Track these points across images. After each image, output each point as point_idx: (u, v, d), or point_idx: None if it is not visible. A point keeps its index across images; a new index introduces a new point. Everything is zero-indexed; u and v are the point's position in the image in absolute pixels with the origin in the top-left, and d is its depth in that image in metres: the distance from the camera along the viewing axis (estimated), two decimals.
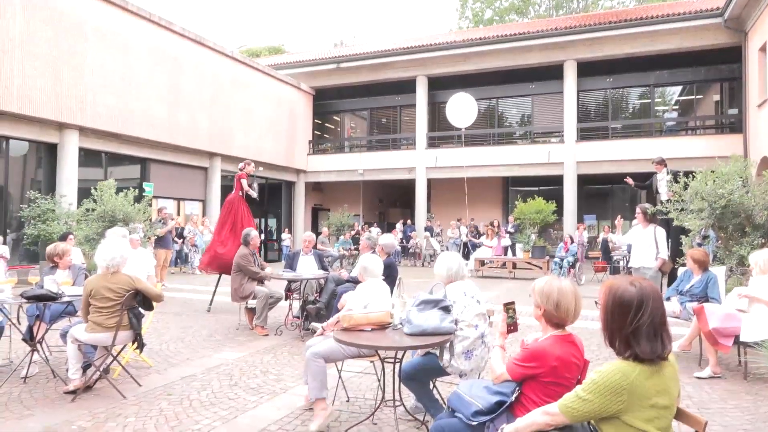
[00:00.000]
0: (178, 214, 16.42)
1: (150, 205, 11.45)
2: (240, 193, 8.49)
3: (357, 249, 15.63)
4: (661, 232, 6.76)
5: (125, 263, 4.50)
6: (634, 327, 1.92)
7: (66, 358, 4.49)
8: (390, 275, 5.59)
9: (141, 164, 15.19)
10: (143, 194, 13.25)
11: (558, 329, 2.44)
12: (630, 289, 1.96)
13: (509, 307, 2.75)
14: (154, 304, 4.65)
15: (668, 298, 5.84)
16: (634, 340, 1.92)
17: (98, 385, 4.56)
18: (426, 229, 19.43)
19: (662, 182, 8.77)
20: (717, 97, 19.01)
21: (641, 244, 6.89)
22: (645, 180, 9.39)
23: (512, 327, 2.75)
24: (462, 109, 14.32)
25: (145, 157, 15.04)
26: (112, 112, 13.40)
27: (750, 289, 5.09)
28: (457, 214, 20.82)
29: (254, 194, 8.71)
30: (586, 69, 18.60)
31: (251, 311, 7.05)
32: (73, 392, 4.31)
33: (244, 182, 8.53)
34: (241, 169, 8.66)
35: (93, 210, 10.49)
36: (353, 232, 18.18)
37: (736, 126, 17.02)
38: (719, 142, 16.23)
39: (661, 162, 8.95)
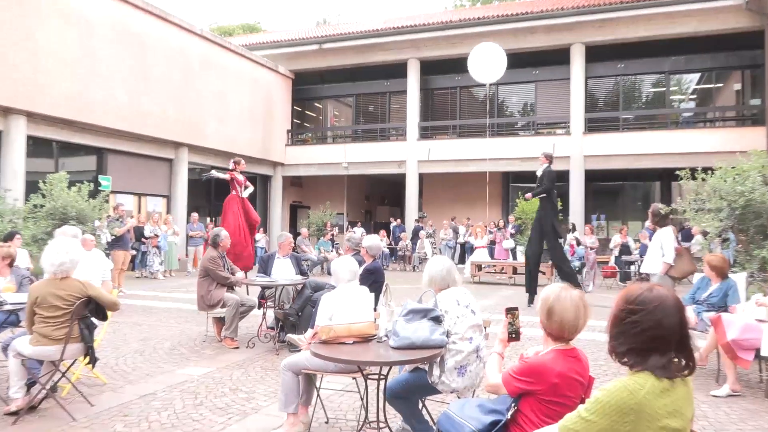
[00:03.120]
0: (139, 211, 16.26)
1: (107, 200, 11.31)
2: (234, 192, 8.91)
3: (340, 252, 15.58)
4: (668, 235, 6.84)
5: (76, 267, 4.44)
6: (648, 338, 1.91)
7: (7, 375, 4.41)
8: (376, 281, 5.56)
9: (97, 155, 15.03)
10: (99, 189, 13.10)
11: (560, 342, 2.44)
12: (647, 294, 1.95)
13: (512, 312, 2.76)
14: (109, 313, 4.58)
15: None
16: (647, 353, 1.90)
17: (44, 405, 4.48)
18: (415, 229, 19.43)
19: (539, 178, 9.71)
20: (738, 86, 19.24)
21: (651, 247, 7.00)
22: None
23: (514, 335, 2.75)
24: (488, 60, 13.90)
25: (102, 147, 14.88)
26: (66, 96, 13.23)
27: None
28: (452, 213, 20.87)
29: (250, 189, 9.26)
30: (595, 53, 18.73)
31: (220, 321, 7.00)
32: (15, 413, 4.23)
33: (240, 176, 8.95)
34: (232, 169, 9.07)
35: (42, 206, 10.33)
36: (328, 235, 18.13)
37: (759, 118, 17.24)
38: (740, 135, 16.41)
39: (547, 156, 9.77)
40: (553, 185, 9.77)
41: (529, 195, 10.05)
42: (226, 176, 9.02)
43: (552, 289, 2.50)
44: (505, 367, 2.60)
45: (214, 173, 9.51)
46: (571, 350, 2.43)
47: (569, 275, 9.72)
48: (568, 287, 2.49)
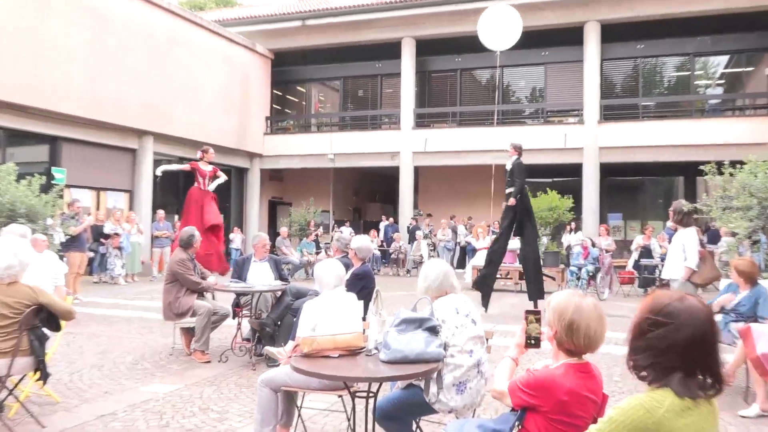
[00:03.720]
0: (98, 207, 16.17)
1: (61, 196, 11.23)
2: (196, 184, 9.01)
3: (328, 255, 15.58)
4: (691, 237, 6.86)
5: (26, 270, 4.41)
6: (675, 354, 1.90)
7: None
8: (365, 287, 5.57)
9: (50, 144, 14.93)
10: (53, 182, 13.00)
11: (572, 357, 2.44)
12: (677, 306, 1.94)
13: (533, 315, 2.77)
14: (63, 322, 4.56)
15: None
16: (670, 369, 1.91)
17: None
18: (412, 228, 19.45)
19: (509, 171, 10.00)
20: None
21: (672, 250, 7.02)
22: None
23: (533, 342, 2.76)
24: (500, 24, 13.77)
25: (56, 136, 14.78)
26: (12, 77, 13.10)
27: None
28: (451, 210, 20.89)
29: (220, 180, 9.36)
30: (612, 32, 18.80)
31: (189, 332, 6.98)
32: None
33: (205, 167, 9.04)
34: (198, 159, 9.20)
35: None
36: (312, 236, 18.11)
37: None
38: None
39: (517, 147, 10.15)
40: (524, 180, 10.07)
41: (512, 201, 10.17)
42: (185, 167, 9.13)
43: (566, 298, 2.48)
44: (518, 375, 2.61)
45: (165, 168, 9.73)
46: (583, 365, 2.44)
47: (535, 278, 10.07)
48: (580, 294, 2.50)
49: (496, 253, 10.37)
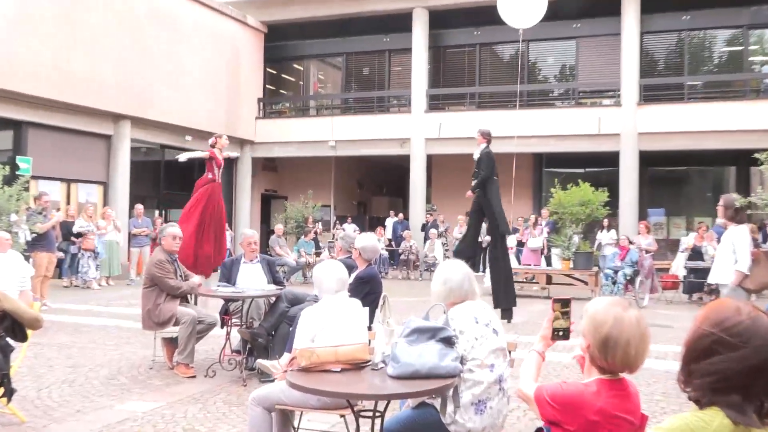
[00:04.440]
0: (68, 202, 16.24)
1: (26, 188, 11.29)
2: (210, 176, 9.13)
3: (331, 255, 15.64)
4: (743, 236, 6.80)
5: None
6: (741, 381, 1.87)
7: None
8: (371, 292, 5.57)
9: (14, 130, 15.00)
10: (17, 173, 13.06)
11: (606, 373, 2.44)
12: (750, 326, 1.88)
13: (561, 305, 2.80)
14: (30, 332, 4.58)
15: None
16: (724, 388, 1.88)
17: None
18: (426, 226, 19.42)
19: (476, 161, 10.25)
20: None
21: (721, 251, 6.99)
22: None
23: (561, 333, 2.78)
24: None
25: (20, 120, 14.85)
26: None
27: None
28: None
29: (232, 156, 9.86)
30: (654, 2, 18.69)
31: (171, 343, 6.99)
32: None
33: (219, 152, 9.31)
34: (212, 146, 9.41)
35: None
36: (310, 234, 18.12)
37: None
38: None
39: (485, 135, 10.22)
40: (493, 170, 10.16)
41: (469, 194, 10.43)
42: (205, 154, 9.31)
43: (605, 308, 2.43)
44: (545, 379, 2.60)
45: (189, 155, 9.88)
46: (618, 381, 2.43)
47: (505, 281, 10.19)
48: (623, 304, 2.46)
49: (462, 253, 10.44)
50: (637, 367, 2.42)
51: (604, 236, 16.37)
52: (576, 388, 2.42)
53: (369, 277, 5.85)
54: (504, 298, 10.17)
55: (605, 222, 16.39)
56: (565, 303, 2.81)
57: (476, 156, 10.28)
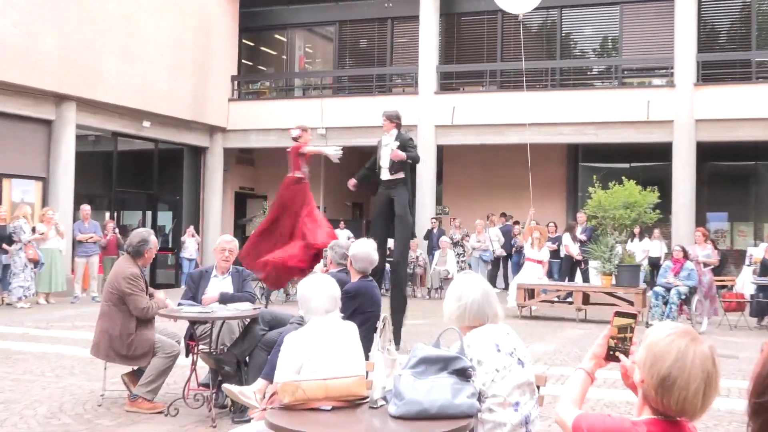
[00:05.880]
0: (0, 202, 16.25)
1: None
2: (297, 174, 9.59)
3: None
4: None
5: None
6: None
7: None
8: (361, 311, 5.58)
9: None
10: None
11: (661, 414, 2.43)
12: None
13: (624, 320, 2.78)
14: None
15: None
16: None
17: None
18: (431, 233, 19.38)
19: (386, 148, 10.46)
20: None
21: None
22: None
23: (617, 354, 2.76)
24: None
25: None
26: None
27: None
28: (488, 208, 20.83)
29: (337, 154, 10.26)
30: None
31: (134, 372, 6.96)
32: None
33: (311, 149, 9.82)
34: (295, 139, 9.86)
35: None
36: None
37: None
38: None
39: (393, 118, 10.41)
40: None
41: (402, 154, 10.34)
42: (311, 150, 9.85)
43: (668, 340, 2.39)
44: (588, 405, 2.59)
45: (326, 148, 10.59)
46: (674, 425, 2.41)
47: (400, 282, 10.52)
48: (691, 335, 2.42)
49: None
50: (697, 414, 2.39)
51: (635, 246, 16.34)
52: (622, 426, 2.40)
53: (356, 291, 5.85)
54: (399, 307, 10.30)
55: (636, 230, 16.35)
56: (631, 317, 2.80)
57: (394, 145, 10.31)
